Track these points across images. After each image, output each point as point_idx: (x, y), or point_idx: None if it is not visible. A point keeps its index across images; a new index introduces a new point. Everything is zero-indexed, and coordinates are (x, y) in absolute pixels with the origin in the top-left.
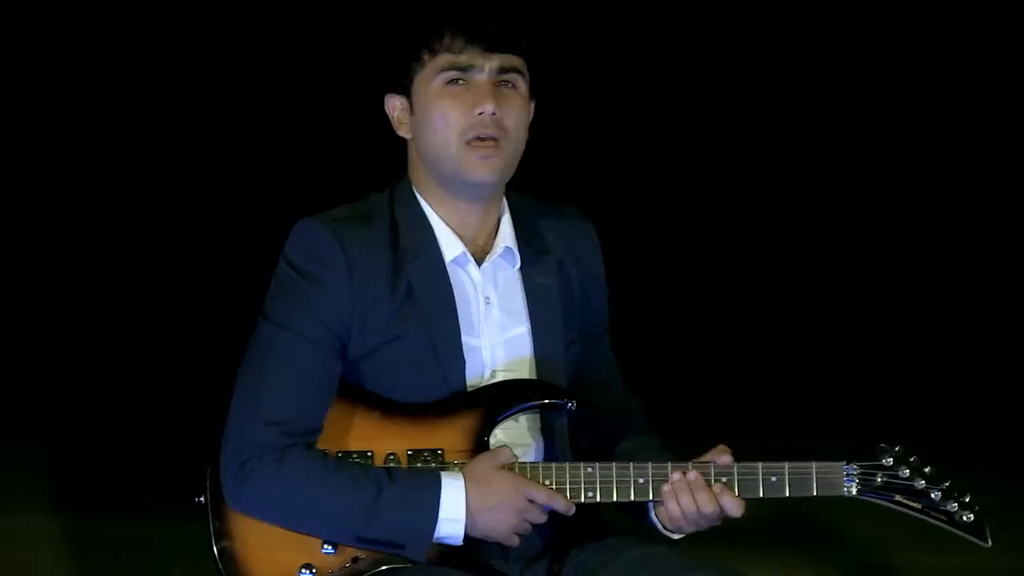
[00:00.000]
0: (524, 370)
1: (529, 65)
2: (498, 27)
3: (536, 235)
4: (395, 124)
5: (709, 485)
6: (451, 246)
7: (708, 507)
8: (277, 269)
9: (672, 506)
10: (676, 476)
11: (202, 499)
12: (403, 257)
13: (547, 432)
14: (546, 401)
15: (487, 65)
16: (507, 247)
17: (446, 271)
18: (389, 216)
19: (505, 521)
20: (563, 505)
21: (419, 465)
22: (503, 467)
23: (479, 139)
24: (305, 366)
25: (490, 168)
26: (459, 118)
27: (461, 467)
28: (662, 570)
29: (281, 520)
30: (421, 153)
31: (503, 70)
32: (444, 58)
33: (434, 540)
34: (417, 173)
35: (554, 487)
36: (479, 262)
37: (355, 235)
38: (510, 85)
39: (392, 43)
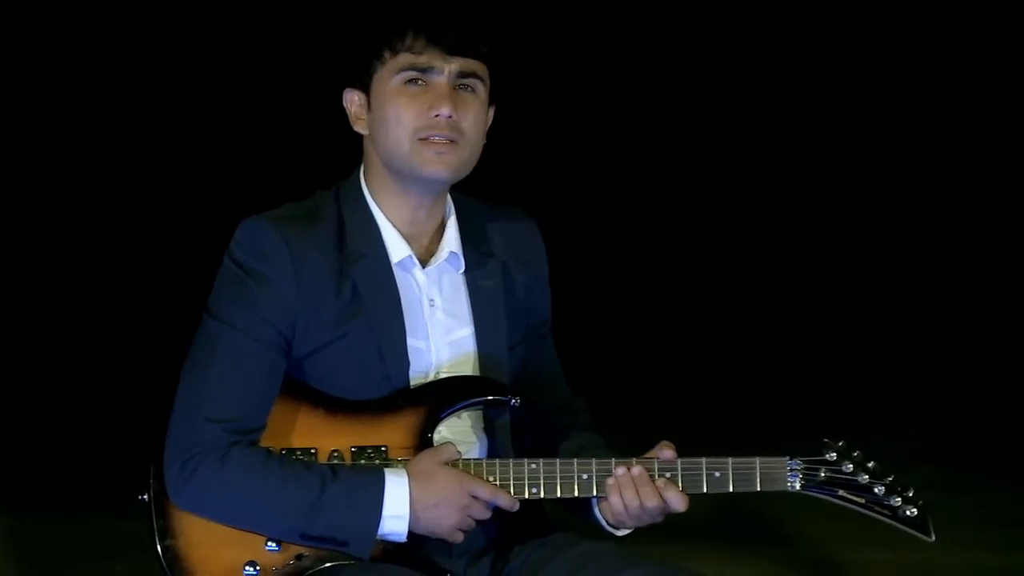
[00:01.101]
0: (468, 371)
1: (491, 71)
2: (461, 31)
3: (481, 238)
4: (352, 119)
5: (653, 480)
6: (397, 248)
7: (652, 502)
8: (222, 267)
9: (616, 501)
10: (620, 471)
11: (145, 497)
12: (349, 258)
13: (489, 430)
14: (489, 397)
15: (447, 68)
16: (452, 252)
17: (392, 273)
18: (336, 215)
19: (449, 517)
20: (507, 501)
21: (363, 462)
22: (447, 464)
23: (433, 138)
24: (250, 364)
25: (444, 164)
26: (414, 118)
27: (405, 464)
28: (605, 566)
29: (225, 518)
30: (376, 148)
31: (463, 74)
32: (405, 58)
33: (378, 537)
34: (370, 168)
35: (498, 483)
36: (424, 264)
37: (301, 234)
38: (469, 89)
39: (354, 39)
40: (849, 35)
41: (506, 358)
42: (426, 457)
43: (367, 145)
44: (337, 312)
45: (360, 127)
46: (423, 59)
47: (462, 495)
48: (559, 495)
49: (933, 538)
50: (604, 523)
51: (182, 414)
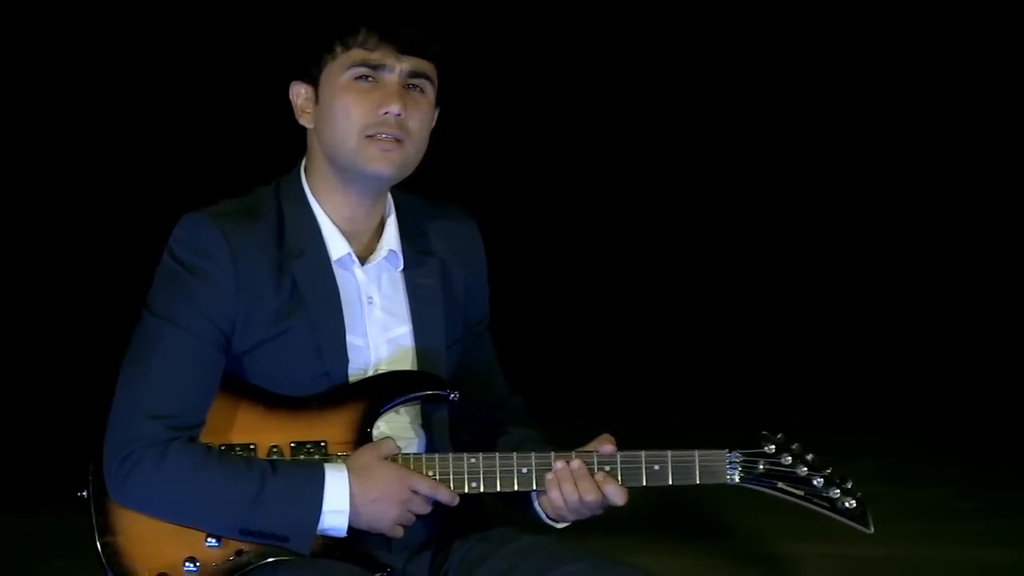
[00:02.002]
0: (406, 367)
1: (440, 72)
2: (415, 30)
3: (420, 236)
4: (297, 112)
5: (592, 474)
6: (337, 245)
7: (591, 495)
8: (161, 263)
9: (555, 495)
10: (559, 465)
11: (85, 493)
12: (289, 254)
13: (427, 426)
14: (428, 392)
15: (398, 66)
16: (391, 250)
17: (331, 270)
18: (276, 211)
19: (389, 512)
20: (447, 496)
21: (302, 457)
22: (387, 459)
23: (380, 136)
24: (189, 360)
25: (389, 161)
26: (363, 115)
27: (345, 459)
28: (545, 560)
29: (164, 514)
30: (321, 142)
31: (413, 74)
32: (357, 53)
33: (318, 532)
34: (313, 164)
35: (438, 478)
36: (363, 261)
37: (241, 231)
38: (418, 89)
39: (306, 31)
40: (842, 33)
41: (444, 355)
42: (366, 452)
43: (311, 139)
44: (276, 309)
45: (305, 120)
46: (375, 56)
47: (402, 490)
48: (499, 489)
49: (872, 530)
50: (544, 517)
51: (121, 410)
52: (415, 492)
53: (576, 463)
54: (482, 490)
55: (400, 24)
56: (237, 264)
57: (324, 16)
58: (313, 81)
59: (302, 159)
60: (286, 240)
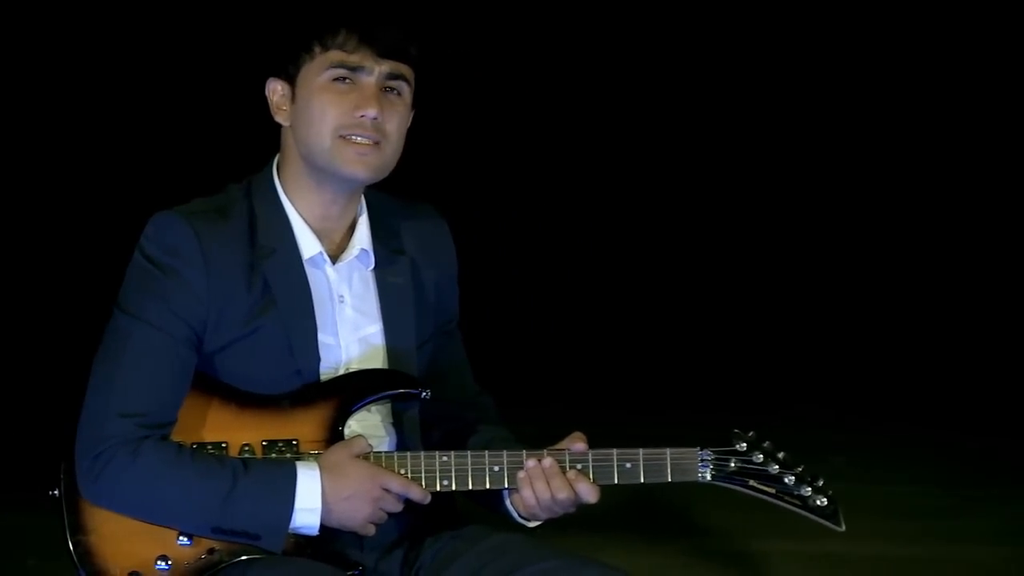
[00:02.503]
0: (377, 366)
1: (416, 75)
2: (394, 33)
3: (392, 235)
4: (273, 109)
5: (564, 472)
6: (308, 244)
7: (562, 493)
8: (132, 261)
9: (527, 493)
10: (531, 463)
11: (56, 492)
12: (260, 253)
13: (398, 424)
14: (400, 391)
15: (377, 69)
16: (363, 249)
17: (303, 269)
18: (247, 210)
19: (361, 510)
20: (418, 494)
21: (274, 456)
22: (358, 457)
23: (356, 137)
24: (161, 359)
25: (365, 164)
26: (339, 116)
27: (317, 457)
28: (516, 558)
29: (136, 512)
30: (296, 141)
31: (391, 76)
32: (335, 55)
33: (290, 530)
34: (287, 162)
35: (409, 476)
36: (334, 260)
37: (212, 229)
38: (395, 92)
39: (285, 30)
40: (841, 33)
41: (415, 354)
42: (337, 450)
43: (286, 137)
44: (248, 307)
45: (281, 118)
46: (354, 58)
47: (374, 488)
48: (470, 487)
49: (843, 528)
50: (515, 515)
51: (93, 409)
52: (387, 490)
53: (548, 461)
54: (454, 488)
55: (380, 27)
56: (208, 263)
57: (304, 15)
58: (290, 79)
59: (274, 157)
60: (257, 239)
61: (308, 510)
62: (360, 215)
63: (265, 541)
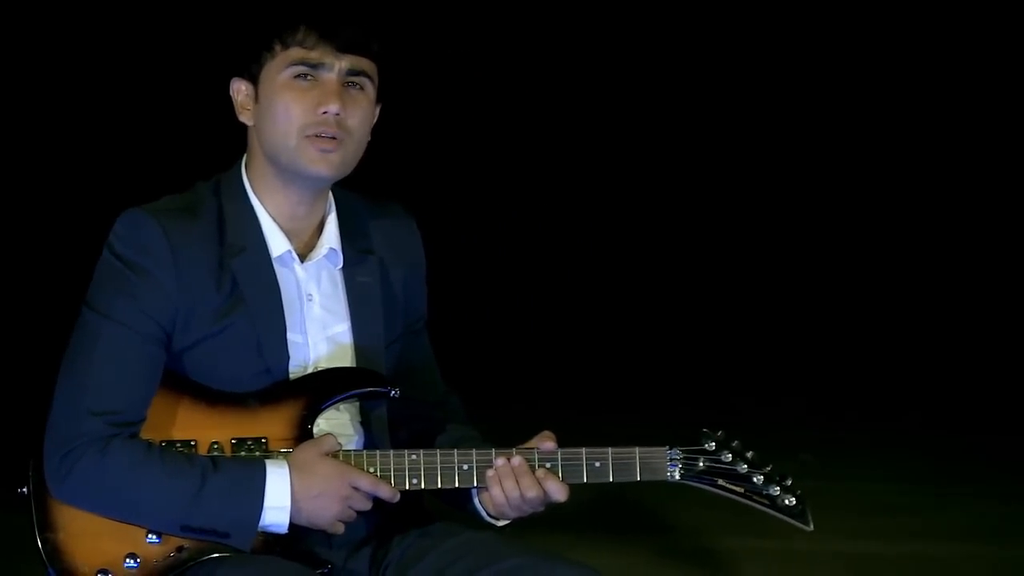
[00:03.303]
0: (345, 365)
1: (379, 70)
2: (353, 29)
3: (360, 234)
4: (238, 109)
5: (533, 471)
6: (277, 243)
7: (531, 492)
8: (101, 259)
9: (496, 491)
10: (500, 462)
11: (25, 490)
12: (229, 251)
13: (367, 423)
14: (368, 389)
15: (337, 65)
16: (331, 248)
17: (272, 267)
18: (216, 208)
19: (330, 508)
20: (387, 492)
21: (243, 454)
22: (327, 455)
23: (319, 136)
24: (130, 357)
25: (328, 163)
26: (302, 114)
27: (286, 455)
28: (486, 555)
29: (105, 510)
30: (261, 141)
31: (352, 72)
32: (296, 52)
33: (259, 528)
34: (253, 160)
35: (378, 474)
36: (303, 259)
37: (182, 227)
38: (357, 87)
39: (245, 29)
40: (835, 32)
41: (383, 353)
42: (307, 448)
43: (251, 137)
44: (217, 305)
45: (245, 117)
46: (314, 55)
47: (343, 486)
48: (439, 486)
49: (811, 527)
50: (484, 514)
51: (62, 407)
52: (356, 488)
53: (517, 460)
54: (423, 487)
55: (339, 23)
56: (178, 261)
57: (263, 14)
58: (253, 78)
59: (243, 156)
60: (226, 237)
61: (277, 508)
62: (328, 213)
63: (234, 539)
